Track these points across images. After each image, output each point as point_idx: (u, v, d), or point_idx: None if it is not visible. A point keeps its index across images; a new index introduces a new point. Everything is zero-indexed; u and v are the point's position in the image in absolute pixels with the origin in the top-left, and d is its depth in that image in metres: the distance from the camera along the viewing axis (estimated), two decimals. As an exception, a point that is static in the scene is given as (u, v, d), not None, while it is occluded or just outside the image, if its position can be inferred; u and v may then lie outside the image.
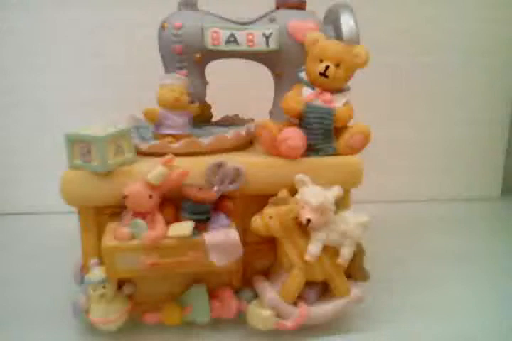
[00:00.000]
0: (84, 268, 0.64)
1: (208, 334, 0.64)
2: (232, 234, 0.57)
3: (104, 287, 0.58)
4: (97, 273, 0.58)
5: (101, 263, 0.59)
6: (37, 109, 1.02)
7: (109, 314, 0.59)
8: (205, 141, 0.63)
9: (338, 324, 0.65)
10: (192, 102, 0.67)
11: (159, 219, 0.57)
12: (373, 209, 0.64)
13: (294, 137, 0.61)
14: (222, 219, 0.59)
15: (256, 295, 0.64)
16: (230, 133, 0.65)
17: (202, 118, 0.74)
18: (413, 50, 1.07)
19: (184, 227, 0.56)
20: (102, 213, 0.61)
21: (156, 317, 0.62)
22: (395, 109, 1.10)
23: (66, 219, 0.90)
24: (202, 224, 0.58)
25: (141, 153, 0.63)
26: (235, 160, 0.60)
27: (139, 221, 0.56)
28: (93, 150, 0.56)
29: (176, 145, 0.62)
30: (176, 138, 0.63)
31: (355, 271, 0.64)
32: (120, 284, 0.61)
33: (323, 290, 0.64)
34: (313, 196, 0.58)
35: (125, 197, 0.55)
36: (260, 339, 0.63)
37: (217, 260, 0.57)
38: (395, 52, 1.05)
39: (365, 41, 0.66)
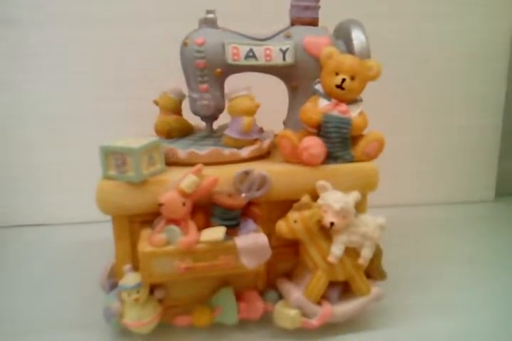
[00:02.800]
0: (113, 276, 0.66)
1: (236, 335, 0.66)
2: (262, 238, 0.60)
3: (137, 292, 0.60)
4: (132, 279, 0.60)
5: (134, 268, 0.62)
6: (51, 123, 1.04)
7: (142, 317, 0.61)
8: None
9: (360, 321, 0.68)
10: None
11: (192, 225, 0.59)
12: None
13: (315, 145, 0.64)
14: (250, 224, 0.61)
15: (280, 297, 0.66)
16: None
17: (183, 132, 0.77)
18: (412, 62, 1.11)
19: (216, 232, 0.59)
20: (134, 221, 0.63)
21: (186, 320, 0.64)
22: (395, 117, 1.14)
23: (85, 230, 0.93)
24: (231, 229, 0.60)
25: (238, 161, 0.67)
26: (260, 169, 0.63)
27: (174, 227, 0.58)
28: (128, 161, 0.58)
29: (265, 147, 0.69)
30: (259, 141, 0.69)
31: (373, 271, 0.68)
32: (152, 289, 0.63)
33: (345, 289, 0.66)
34: (336, 201, 0.61)
35: (161, 205, 0.58)
36: (287, 338, 0.65)
37: (248, 263, 0.60)
38: (396, 64, 1.08)
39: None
